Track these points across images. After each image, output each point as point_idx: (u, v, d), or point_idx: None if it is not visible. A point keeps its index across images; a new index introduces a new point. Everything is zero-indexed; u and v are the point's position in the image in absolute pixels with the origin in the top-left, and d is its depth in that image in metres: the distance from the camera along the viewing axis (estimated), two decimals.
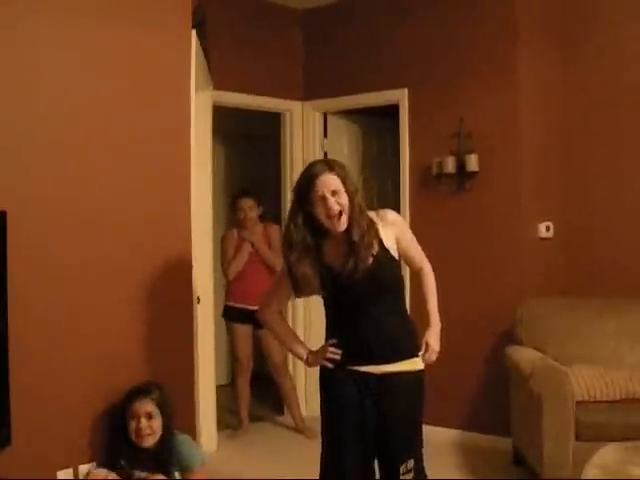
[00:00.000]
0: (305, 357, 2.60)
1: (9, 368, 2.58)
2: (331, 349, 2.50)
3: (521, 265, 4.18)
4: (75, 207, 2.91)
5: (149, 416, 2.83)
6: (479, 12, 4.27)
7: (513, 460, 3.85)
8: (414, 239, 2.61)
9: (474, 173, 4.23)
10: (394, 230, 2.51)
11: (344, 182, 2.41)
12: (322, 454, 2.56)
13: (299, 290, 2.49)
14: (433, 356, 2.53)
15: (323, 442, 2.56)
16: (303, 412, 4.67)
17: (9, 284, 2.59)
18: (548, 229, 4.26)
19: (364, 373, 2.46)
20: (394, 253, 2.50)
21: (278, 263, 4.47)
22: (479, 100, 4.27)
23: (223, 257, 4.50)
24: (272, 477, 3.71)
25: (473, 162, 4.20)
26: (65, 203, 2.88)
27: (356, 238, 2.40)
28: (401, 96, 4.56)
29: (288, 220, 2.47)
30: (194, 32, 3.42)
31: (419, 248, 2.63)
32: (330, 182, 2.38)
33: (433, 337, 2.54)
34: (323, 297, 2.56)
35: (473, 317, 4.22)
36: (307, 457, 4.03)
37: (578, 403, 3.22)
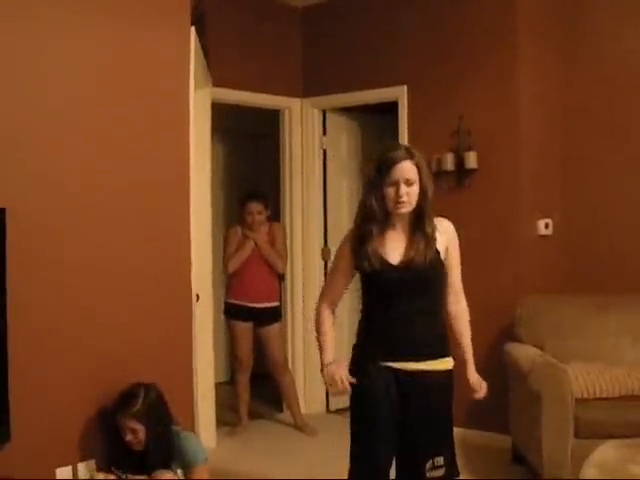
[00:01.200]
0: (325, 364, 2.51)
1: (8, 366, 2.58)
2: (344, 379, 2.43)
3: (520, 262, 4.18)
4: (74, 205, 2.90)
5: (133, 432, 2.83)
6: (478, 9, 4.26)
7: (512, 457, 3.85)
8: (459, 264, 2.61)
9: (473, 170, 4.23)
10: (447, 238, 2.53)
11: (420, 173, 2.42)
12: (352, 448, 2.52)
13: (363, 266, 2.45)
14: (483, 392, 2.61)
15: (352, 437, 2.53)
16: (302, 410, 4.67)
17: (8, 283, 2.58)
18: (547, 226, 4.25)
19: (394, 369, 2.46)
20: (442, 256, 2.51)
21: (280, 262, 4.49)
22: (478, 97, 4.27)
23: (225, 251, 4.49)
24: (271, 475, 3.71)
25: (472, 159, 4.20)
26: (64, 201, 2.88)
27: (429, 230, 2.43)
28: (400, 93, 4.56)
29: (368, 194, 2.44)
30: (193, 29, 3.42)
31: (460, 276, 2.63)
32: (408, 170, 2.39)
33: (476, 375, 2.63)
34: (363, 288, 2.54)
35: (472, 314, 4.09)
36: (306, 455, 4.07)
37: (577, 400, 3.22)
